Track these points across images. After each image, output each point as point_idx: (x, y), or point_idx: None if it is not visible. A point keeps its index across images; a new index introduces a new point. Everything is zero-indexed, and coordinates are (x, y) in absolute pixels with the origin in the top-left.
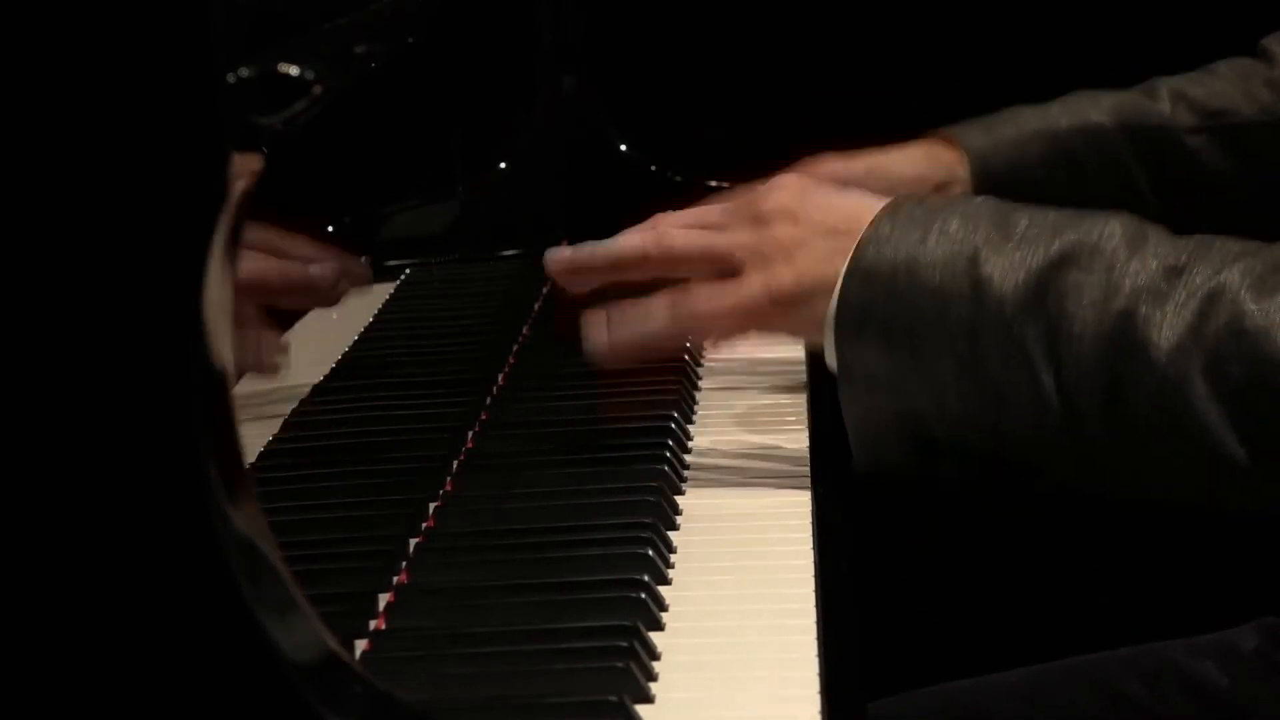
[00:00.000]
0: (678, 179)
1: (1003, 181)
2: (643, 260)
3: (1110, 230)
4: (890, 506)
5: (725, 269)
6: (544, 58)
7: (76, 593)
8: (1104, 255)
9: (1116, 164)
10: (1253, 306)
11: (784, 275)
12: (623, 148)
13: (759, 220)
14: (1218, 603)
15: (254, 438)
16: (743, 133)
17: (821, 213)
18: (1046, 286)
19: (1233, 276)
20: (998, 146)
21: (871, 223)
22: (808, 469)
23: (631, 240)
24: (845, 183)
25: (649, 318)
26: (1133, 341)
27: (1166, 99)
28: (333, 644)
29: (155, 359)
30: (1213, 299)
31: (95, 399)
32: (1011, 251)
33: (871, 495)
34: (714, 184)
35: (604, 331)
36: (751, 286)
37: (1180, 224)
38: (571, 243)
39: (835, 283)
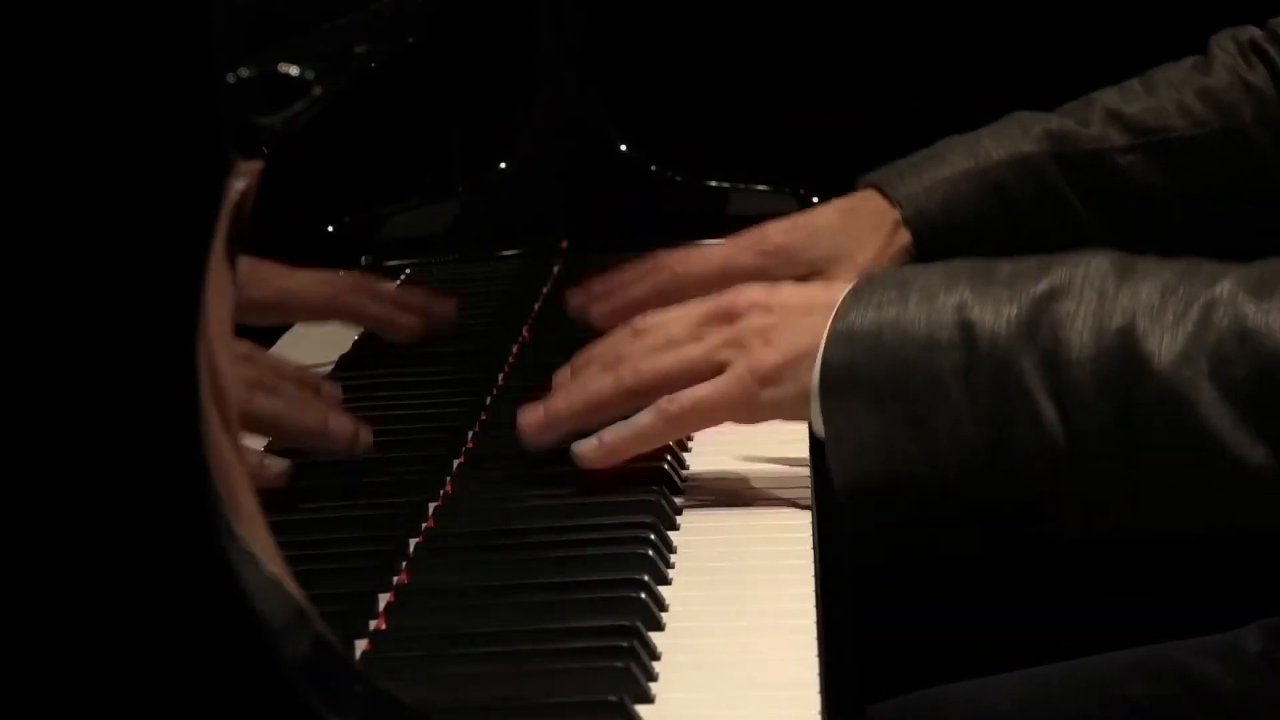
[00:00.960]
0: (678, 179)
1: (938, 222)
2: (621, 398)
3: (1097, 264)
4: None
5: (701, 376)
6: (544, 58)
7: (77, 594)
8: (1094, 284)
9: (1050, 191)
10: (1252, 308)
11: (766, 355)
12: (623, 148)
13: (729, 317)
14: (1220, 604)
15: (254, 438)
16: (743, 133)
17: (793, 297)
18: (1039, 318)
19: (1227, 285)
20: (929, 190)
21: (848, 292)
22: (808, 469)
23: (604, 382)
24: (787, 249)
25: (637, 422)
26: (1134, 357)
27: (1098, 119)
28: (333, 644)
29: (155, 359)
30: (1211, 306)
31: (95, 400)
32: (998, 293)
33: None
34: (714, 184)
35: (593, 437)
36: (735, 371)
37: (1121, 243)
38: (571, 243)
39: (817, 351)
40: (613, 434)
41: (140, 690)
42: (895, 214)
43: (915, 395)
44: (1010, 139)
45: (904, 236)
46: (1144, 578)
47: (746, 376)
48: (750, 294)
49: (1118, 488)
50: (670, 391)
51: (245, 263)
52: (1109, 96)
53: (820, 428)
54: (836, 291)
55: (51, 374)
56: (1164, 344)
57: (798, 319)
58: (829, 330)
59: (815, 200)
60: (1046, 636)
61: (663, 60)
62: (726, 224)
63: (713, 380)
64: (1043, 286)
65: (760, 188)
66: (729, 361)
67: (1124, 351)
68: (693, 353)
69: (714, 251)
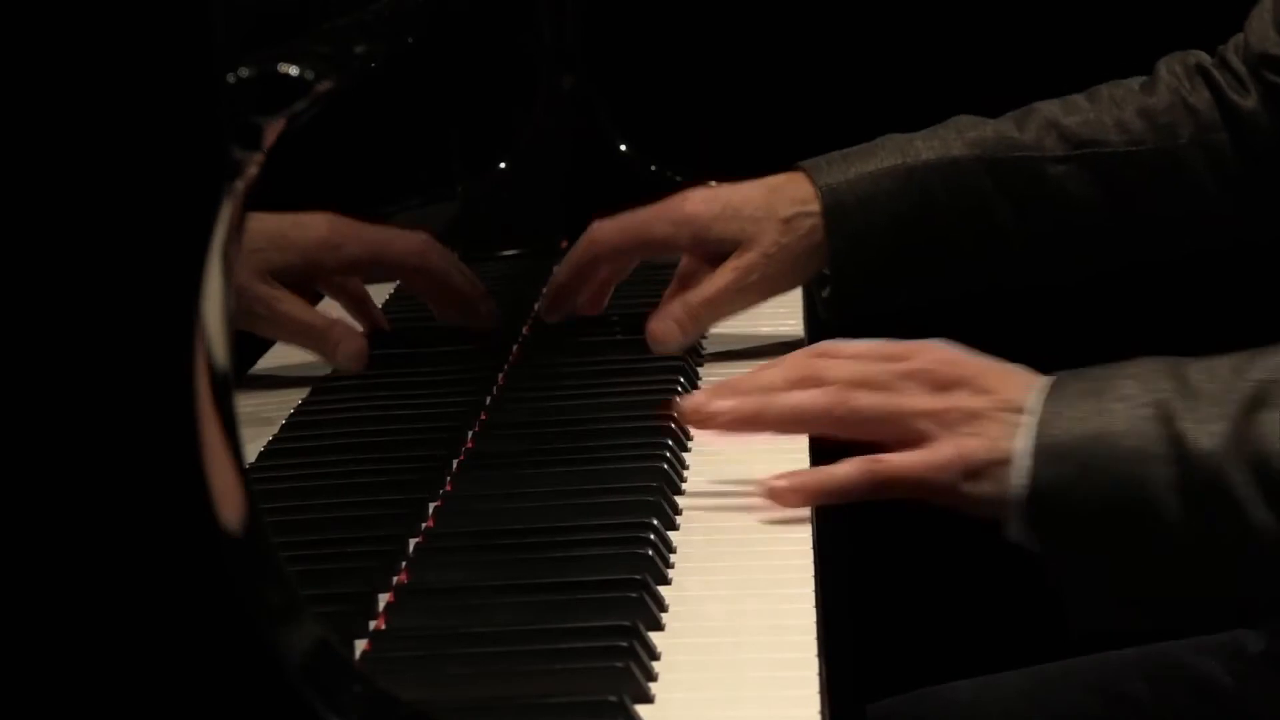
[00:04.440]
0: (678, 179)
1: (854, 216)
2: (825, 419)
3: None
4: (891, 506)
5: (905, 435)
6: (544, 58)
7: (77, 593)
8: None
9: (974, 196)
10: None
11: (974, 444)
12: (623, 148)
13: (939, 386)
14: None
15: (254, 438)
16: (743, 133)
17: (998, 385)
18: (1247, 429)
19: None
20: (851, 182)
21: (1047, 398)
22: (808, 468)
23: (816, 400)
24: (699, 220)
25: (840, 473)
26: None
27: (1036, 127)
28: (333, 644)
29: (155, 358)
30: None
31: (95, 399)
32: (1204, 405)
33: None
34: (714, 184)
35: (787, 476)
36: (944, 452)
37: (1045, 254)
38: (571, 243)
39: (1013, 458)
40: (813, 478)
41: (140, 690)
42: (815, 203)
43: (1132, 512)
44: (943, 141)
45: (817, 226)
46: None
47: (955, 459)
48: (961, 367)
49: None
50: (863, 435)
51: (340, 223)
52: (1050, 107)
53: (1019, 537)
54: (1033, 387)
55: (51, 374)
56: None
57: (1002, 413)
58: (1035, 445)
59: None
60: (1047, 634)
61: (663, 60)
62: None
63: (920, 453)
64: (1248, 393)
65: None
66: (930, 435)
67: None
68: (902, 404)
69: (630, 219)
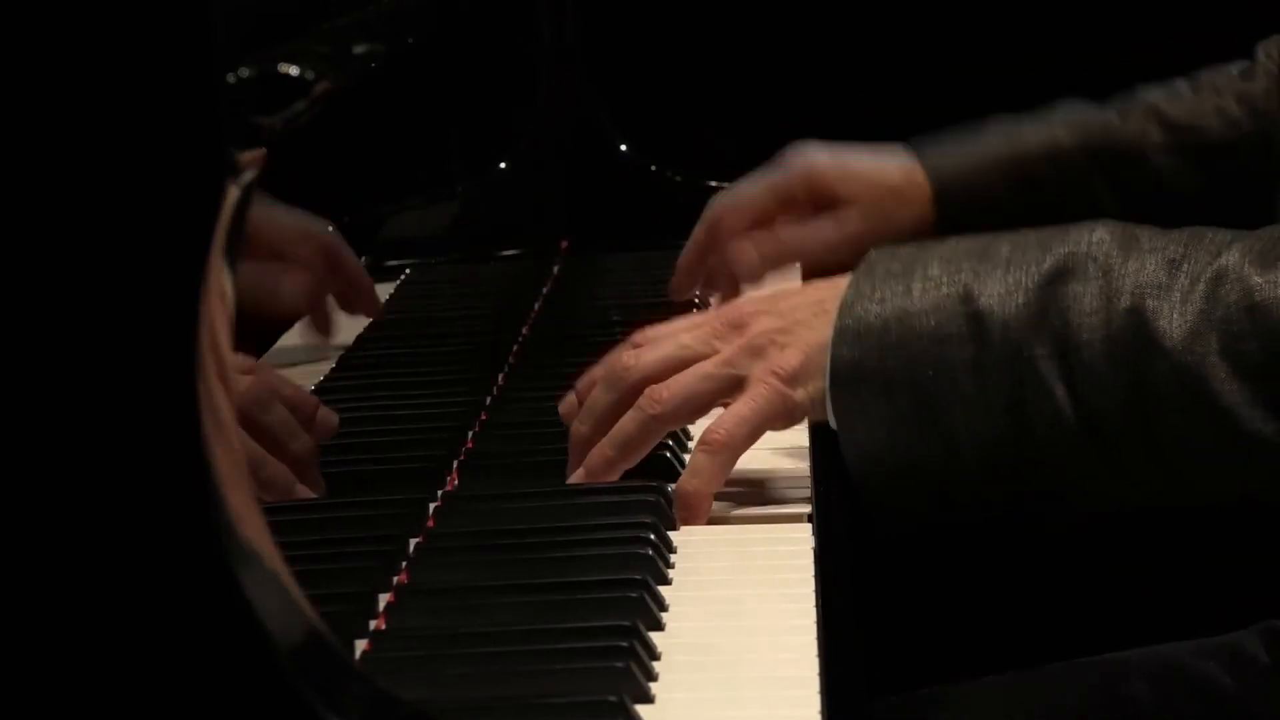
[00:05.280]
0: (678, 179)
1: (961, 202)
2: (654, 432)
3: (1099, 237)
4: None
5: (730, 388)
6: (544, 58)
7: (76, 593)
8: (1098, 261)
9: (1080, 186)
10: (1259, 280)
11: (786, 357)
12: (623, 148)
13: (738, 326)
14: (1222, 606)
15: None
16: (743, 133)
17: (796, 296)
18: (1047, 303)
19: (1233, 257)
20: (959, 171)
21: (850, 284)
22: (808, 468)
23: (631, 424)
24: (829, 178)
25: (693, 469)
26: (1144, 337)
27: (1139, 116)
28: (333, 644)
29: (155, 358)
30: (1218, 280)
31: (95, 398)
32: (1003, 278)
33: None
34: (714, 184)
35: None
36: (761, 383)
37: None
38: (571, 243)
39: (823, 347)
40: (682, 488)
41: (140, 690)
42: (926, 186)
43: (927, 389)
44: (1049, 129)
45: (925, 209)
46: (1145, 578)
47: (775, 382)
48: (750, 302)
49: (1134, 467)
50: (697, 414)
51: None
52: (1154, 94)
53: (834, 423)
54: (839, 286)
55: (52, 372)
56: (1174, 321)
57: (808, 317)
58: (835, 326)
59: None
60: (1047, 636)
61: (663, 60)
62: None
63: (744, 397)
64: (1047, 267)
65: None
66: (748, 372)
67: (1134, 333)
68: (711, 369)
69: (748, 178)
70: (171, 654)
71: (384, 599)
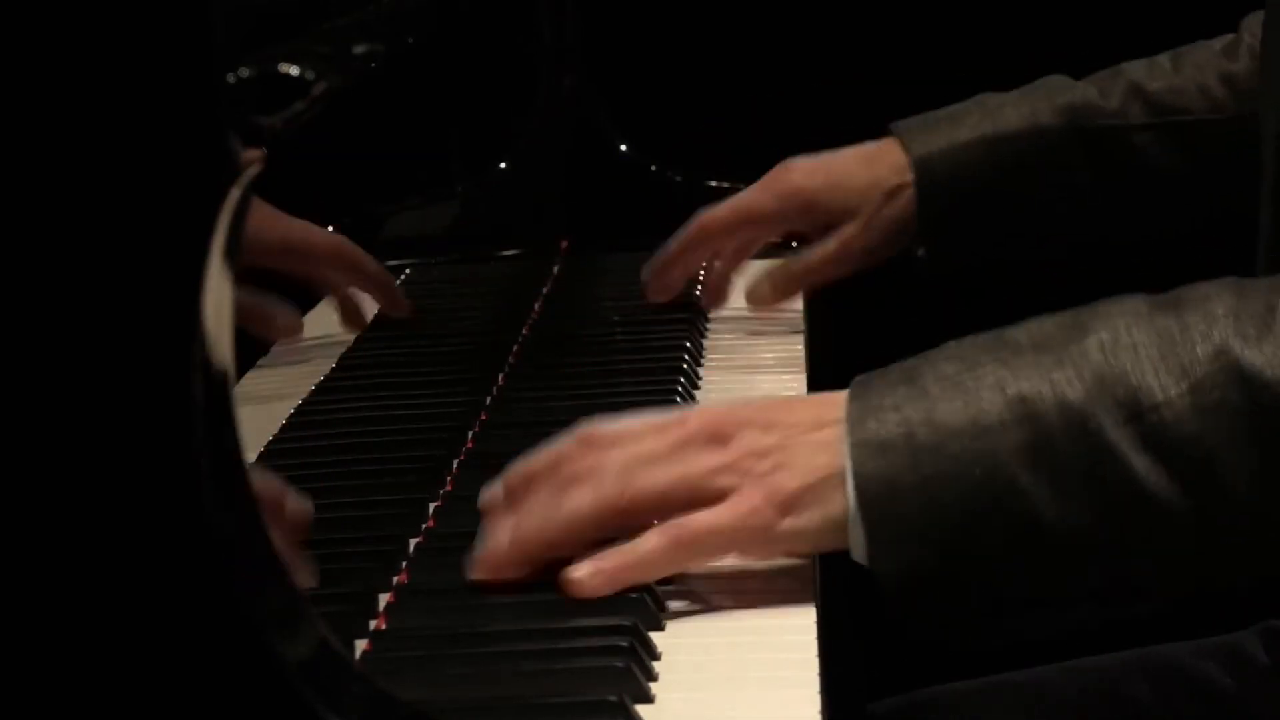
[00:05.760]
0: (678, 179)
1: (944, 183)
2: (612, 512)
3: (1129, 304)
4: None
5: (705, 498)
6: (544, 58)
7: (76, 593)
8: (1139, 323)
9: (1061, 166)
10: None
11: (782, 480)
12: (623, 148)
13: (718, 438)
14: (1222, 606)
15: (254, 437)
16: (743, 133)
17: (783, 411)
18: (1101, 372)
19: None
20: (943, 152)
21: (850, 399)
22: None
23: (597, 495)
24: (805, 194)
25: (644, 547)
26: (1237, 374)
27: (1121, 94)
28: (333, 644)
29: (155, 357)
30: None
31: (94, 398)
32: (1035, 359)
33: None
34: (714, 184)
35: (588, 562)
36: (749, 500)
37: (1128, 219)
38: (571, 243)
39: (845, 471)
40: (614, 560)
41: (140, 690)
42: (909, 174)
43: (980, 489)
44: (1031, 107)
45: (909, 196)
46: None
47: (763, 505)
48: (738, 413)
49: (1251, 528)
50: (665, 515)
51: (256, 206)
52: (1136, 71)
53: (864, 556)
54: (828, 399)
55: (50, 373)
56: (1266, 351)
57: (806, 436)
58: (850, 443)
59: None
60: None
61: (663, 60)
62: None
63: (725, 506)
64: (1088, 341)
65: None
66: (734, 488)
67: (1223, 372)
68: (689, 473)
69: (736, 199)
70: (172, 654)
71: (384, 599)
